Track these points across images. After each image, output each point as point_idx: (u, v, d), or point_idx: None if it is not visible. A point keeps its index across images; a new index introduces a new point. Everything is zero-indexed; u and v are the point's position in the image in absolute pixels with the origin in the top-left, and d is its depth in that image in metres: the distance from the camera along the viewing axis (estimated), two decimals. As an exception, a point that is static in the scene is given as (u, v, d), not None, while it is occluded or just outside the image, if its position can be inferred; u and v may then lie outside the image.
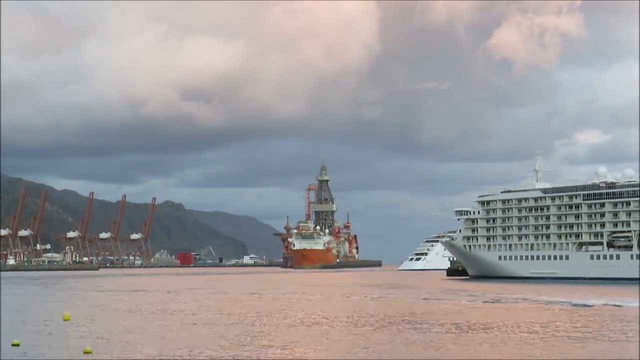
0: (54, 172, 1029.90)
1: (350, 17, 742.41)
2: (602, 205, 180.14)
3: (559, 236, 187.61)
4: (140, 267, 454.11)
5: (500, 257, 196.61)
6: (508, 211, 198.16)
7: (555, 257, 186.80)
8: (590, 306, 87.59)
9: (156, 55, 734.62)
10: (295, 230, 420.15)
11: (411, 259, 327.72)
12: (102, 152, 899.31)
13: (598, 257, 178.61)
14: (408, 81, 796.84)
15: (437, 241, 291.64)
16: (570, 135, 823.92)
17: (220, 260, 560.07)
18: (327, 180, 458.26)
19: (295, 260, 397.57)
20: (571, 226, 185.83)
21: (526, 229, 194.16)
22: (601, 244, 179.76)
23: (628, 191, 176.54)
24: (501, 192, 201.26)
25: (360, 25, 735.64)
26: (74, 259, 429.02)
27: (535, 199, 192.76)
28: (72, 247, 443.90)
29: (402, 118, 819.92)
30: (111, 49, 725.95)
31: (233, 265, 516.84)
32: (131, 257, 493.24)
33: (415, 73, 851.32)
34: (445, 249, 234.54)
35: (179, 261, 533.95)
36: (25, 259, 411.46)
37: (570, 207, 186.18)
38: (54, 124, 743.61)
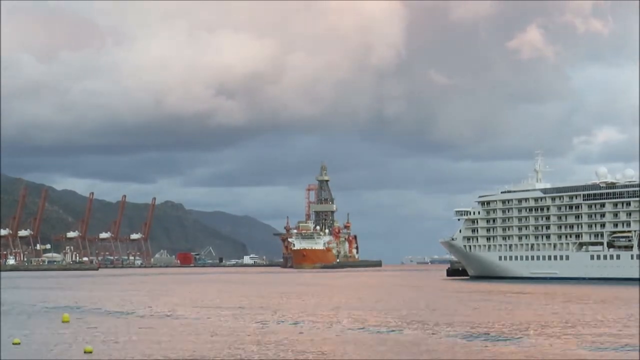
0: (65, 171, 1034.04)
1: (375, 17, 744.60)
2: (602, 205, 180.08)
3: (559, 236, 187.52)
4: (140, 267, 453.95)
5: (500, 257, 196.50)
6: (508, 211, 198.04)
7: (555, 257, 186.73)
8: None
9: (179, 53, 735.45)
10: (295, 230, 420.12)
11: None
12: (118, 150, 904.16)
13: (598, 257, 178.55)
14: (429, 79, 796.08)
15: None
16: (589, 133, 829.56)
17: (220, 260, 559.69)
18: (327, 180, 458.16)
19: (295, 260, 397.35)
20: (571, 226, 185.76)
21: (526, 229, 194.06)
22: (601, 244, 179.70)
23: (628, 191, 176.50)
24: (501, 192, 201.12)
25: (385, 25, 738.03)
26: (73, 259, 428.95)
27: (536, 199, 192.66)
28: (72, 247, 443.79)
29: (421, 116, 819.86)
30: (132, 46, 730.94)
31: (233, 266, 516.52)
32: (131, 257, 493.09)
33: (437, 71, 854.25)
34: None
35: (179, 261, 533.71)
36: (25, 259, 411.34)
37: (571, 207, 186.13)
38: (74, 122, 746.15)
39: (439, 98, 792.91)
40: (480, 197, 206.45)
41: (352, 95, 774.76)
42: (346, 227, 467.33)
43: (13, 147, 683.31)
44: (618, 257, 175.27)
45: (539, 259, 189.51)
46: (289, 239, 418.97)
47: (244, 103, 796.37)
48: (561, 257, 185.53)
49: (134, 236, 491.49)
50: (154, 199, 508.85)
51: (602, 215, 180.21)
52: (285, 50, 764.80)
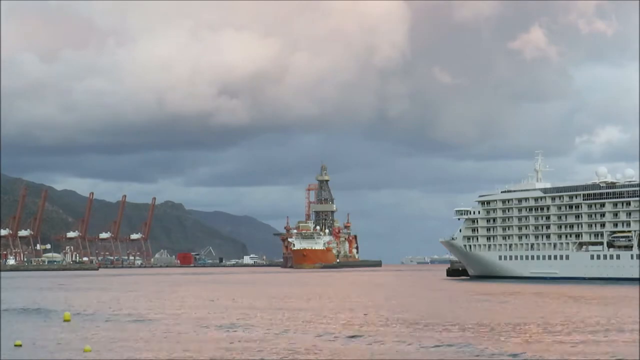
0: (66, 171, 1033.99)
1: (379, 18, 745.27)
2: (602, 205, 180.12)
3: (559, 236, 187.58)
4: (140, 267, 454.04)
5: (500, 257, 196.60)
6: (508, 211, 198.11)
7: (555, 257, 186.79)
8: None
9: (182, 52, 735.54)
10: (295, 230, 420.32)
11: None
12: (120, 150, 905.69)
13: (598, 257, 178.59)
14: (432, 79, 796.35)
15: None
16: (591, 133, 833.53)
17: (220, 260, 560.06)
18: (327, 180, 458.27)
19: (295, 260, 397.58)
20: (571, 226, 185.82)
21: (526, 228, 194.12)
22: (601, 244, 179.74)
23: (628, 191, 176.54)
24: (501, 192, 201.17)
25: (388, 25, 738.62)
26: (74, 259, 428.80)
27: (536, 199, 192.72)
28: (72, 247, 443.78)
29: (424, 116, 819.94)
30: (135, 46, 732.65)
31: (233, 266, 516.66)
32: (131, 257, 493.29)
33: (440, 71, 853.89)
34: None
35: (179, 261, 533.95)
36: (25, 259, 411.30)
37: (571, 207, 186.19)
38: (76, 122, 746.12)
39: (441, 98, 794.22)
40: (480, 196, 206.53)
41: (355, 95, 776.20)
42: (346, 227, 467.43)
43: (14, 146, 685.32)
44: (618, 257, 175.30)
45: (539, 259, 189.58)
46: (289, 239, 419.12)
47: (246, 103, 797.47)
48: (561, 257, 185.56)
49: (134, 236, 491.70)
50: (154, 198, 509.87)
51: (602, 215, 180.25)
52: (289, 50, 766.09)
